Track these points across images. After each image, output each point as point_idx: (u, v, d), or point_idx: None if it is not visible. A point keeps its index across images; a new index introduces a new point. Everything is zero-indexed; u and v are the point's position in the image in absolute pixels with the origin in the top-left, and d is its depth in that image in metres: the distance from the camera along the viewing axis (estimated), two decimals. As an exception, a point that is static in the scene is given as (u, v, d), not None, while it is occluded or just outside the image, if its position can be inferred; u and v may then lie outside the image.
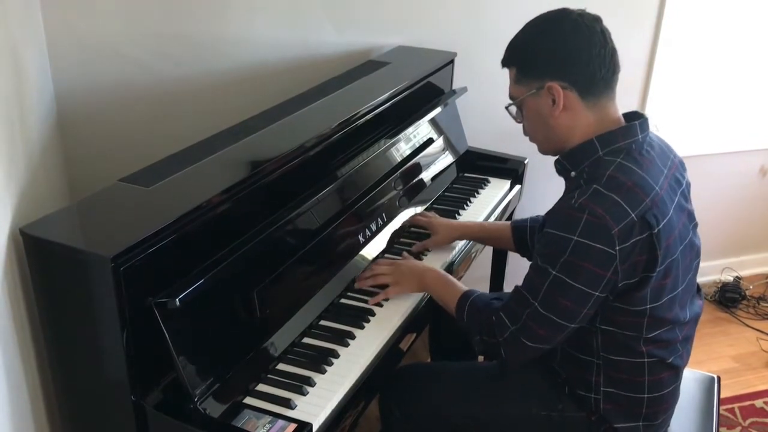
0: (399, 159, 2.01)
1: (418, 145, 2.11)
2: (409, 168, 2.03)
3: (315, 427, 1.29)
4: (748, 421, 2.48)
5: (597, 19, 1.37)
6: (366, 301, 1.63)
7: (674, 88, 2.80)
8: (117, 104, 2.03)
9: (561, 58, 1.35)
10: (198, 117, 2.06)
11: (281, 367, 1.43)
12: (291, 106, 1.83)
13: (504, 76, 1.50)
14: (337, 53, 2.26)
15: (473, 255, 2.00)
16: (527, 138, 1.52)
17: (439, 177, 2.17)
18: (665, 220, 1.32)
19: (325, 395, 1.36)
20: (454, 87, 2.35)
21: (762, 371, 2.74)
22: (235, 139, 1.61)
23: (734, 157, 3.04)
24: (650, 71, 2.74)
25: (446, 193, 2.20)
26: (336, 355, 1.47)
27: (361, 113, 1.79)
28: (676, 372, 1.49)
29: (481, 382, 1.63)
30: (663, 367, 1.44)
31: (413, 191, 2.03)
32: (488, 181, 2.29)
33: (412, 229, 1.96)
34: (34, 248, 1.25)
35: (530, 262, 1.42)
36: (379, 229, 1.83)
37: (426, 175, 2.11)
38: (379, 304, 1.63)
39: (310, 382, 1.38)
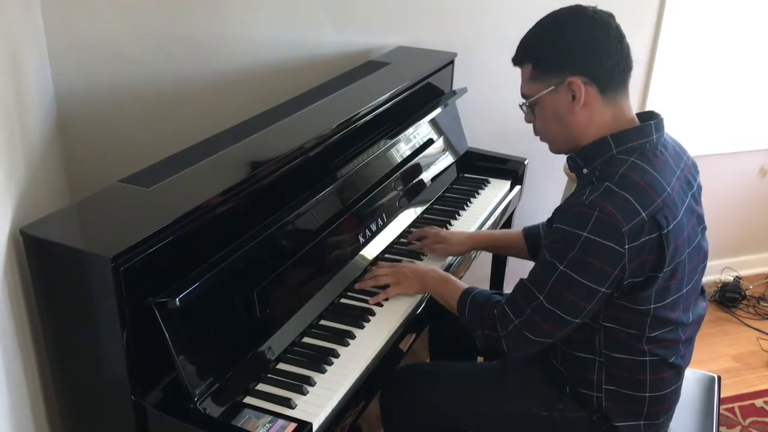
0: (399, 160, 2.01)
1: (418, 146, 2.11)
2: (409, 168, 2.03)
3: (315, 427, 1.29)
4: (748, 421, 2.48)
5: (611, 16, 1.37)
6: (366, 301, 1.63)
7: (674, 88, 2.80)
8: (117, 104, 2.03)
9: (581, 52, 1.35)
10: (198, 117, 2.06)
11: (281, 366, 1.43)
12: (291, 106, 1.83)
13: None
14: (337, 53, 2.26)
15: (473, 255, 2.00)
16: (536, 138, 1.51)
17: (439, 177, 2.17)
18: (675, 222, 1.32)
19: (325, 395, 1.36)
20: (454, 87, 2.35)
21: (762, 371, 2.75)
22: (235, 139, 1.61)
23: (734, 157, 3.04)
24: (650, 71, 2.74)
25: (446, 194, 2.20)
26: (336, 355, 1.47)
27: (361, 114, 1.79)
28: (678, 372, 1.49)
29: (481, 382, 1.63)
30: (664, 367, 1.44)
31: (413, 192, 2.03)
32: (488, 182, 2.29)
33: (413, 229, 1.96)
34: (34, 248, 1.25)
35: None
36: (379, 230, 1.83)
37: (426, 176, 2.11)
38: (380, 304, 1.63)
39: (310, 382, 1.38)
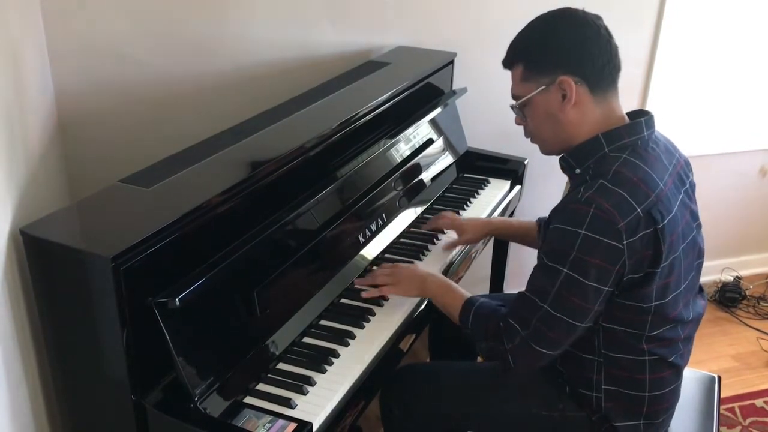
0: (399, 159, 2.01)
1: (418, 146, 2.11)
2: (409, 168, 2.03)
3: (315, 427, 1.29)
4: (748, 421, 2.48)
5: (599, 18, 1.40)
6: (366, 301, 1.63)
7: (674, 88, 2.80)
8: (117, 104, 2.03)
9: (572, 51, 1.36)
10: (198, 117, 2.06)
11: (281, 366, 1.43)
12: (291, 106, 1.84)
13: (505, 76, 1.50)
14: (337, 53, 2.26)
15: (473, 255, 2.00)
16: (528, 139, 1.51)
17: (439, 177, 2.17)
18: (670, 216, 1.32)
19: (325, 395, 1.36)
20: (454, 87, 2.35)
21: (762, 371, 2.74)
22: (235, 139, 1.61)
23: (734, 157, 3.04)
24: (650, 71, 2.74)
25: (446, 194, 2.20)
26: (336, 355, 1.47)
27: (361, 114, 1.79)
28: (677, 371, 1.49)
29: (481, 382, 1.63)
30: (664, 366, 1.45)
31: (413, 192, 2.03)
32: (488, 182, 2.29)
33: (413, 229, 1.96)
34: (34, 248, 1.25)
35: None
36: (379, 230, 1.83)
37: (426, 176, 2.11)
38: (380, 304, 1.63)
39: (310, 382, 1.38)
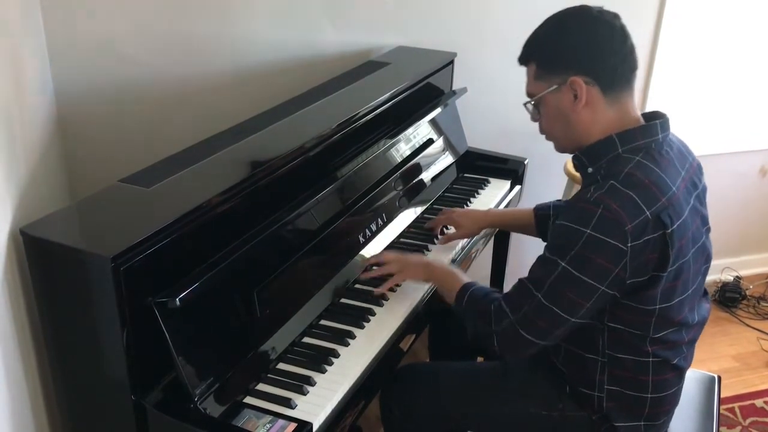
0: (399, 159, 2.01)
1: (418, 146, 2.11)
2: (409, 168, 2.03)
3: (315, 427, 1.29)
4: (748, 421, 2.48)
5: (617, 16, 1.38)
6: (366, 301, 1.63)
7: (674, 88, 2.80)
8: (117, 104, 2.03)
9: (584, 52, 1.36)
10: (198, 117, 2.06)
11: (281, 366, 1.43)
12: (291, 106, 1.83)
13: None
14: (337, 53, 2.26)
15: (473, 255, 2.00)
16: (536, 138, 1.52)
17: (439, 177, 2.17)
18: (680, 221, 1.32)
19: (325, 395, 1.36)
20: (454, 87, 2.35)
21: (762, 371, 2.75)
22: (235, 139, 1.61)
23: (734, 157, 3.04)
24: (650, 71, 2.74)
25: (446, 194, 2.20)
26: (336, 355, 1.47)
27: (361, 114, 1.79)
28: (680, 374, 1.49)
29: (481, 382, 1.63)
30: (667, 368, 1.44)
31: (413, 192, 2.03)
32: (488, 182, 2.29)
33: (413, 229, 1.96)
34: (34, 248, 1.25)
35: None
36: (379, 230, 1.83)
37: (426, 176, 2.11)
38: (380, 304, 1.63)
39: (310, 382, 1.38)
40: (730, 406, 2.53)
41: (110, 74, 1.99)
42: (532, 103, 1.45)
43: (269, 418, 1.27)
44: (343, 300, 1.65)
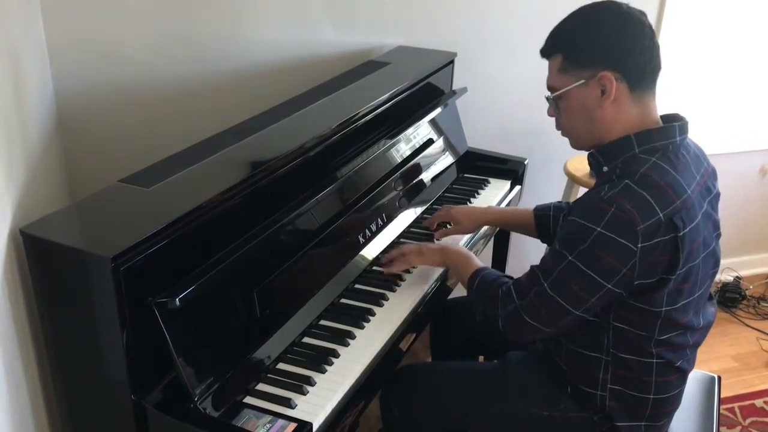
0: (399, 160, 2.01)
1: (418, 146, 2.11)
2: (409, 169, 2.03)
3: (315, 427, 1.29)
4: (748, 421, 2.48)
5: (644, 14, 1.36)
6: (366, 301, 1.63)
7: (674, 88, 2.80)
8: (117, 104, 2.03)
9: (616, 47, 1.33)
10: (198, 117, 2.06)
11: (281, 366, 1.43)
12: (291, 106, 1.83)
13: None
14: (337, 53, 2.26)
15: (474, 253, 1.99)
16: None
17: (439, 178, 2.17)
18: (692, 225, 1.31)
19: (325, 395, 1.36)
20: (454, 87, 2.35)
21: (762, 371, 2.75)
22: (235, 139, 1.61)
23: (734, 157, 3.04)
24: (650, 71, 2.74)
25: (446, 194, 2.20)
26: (336, 355, 1.47)
27: (361, 114, 1.79)
28: (683, 376, 1.49)
29: (482, 382, 1.62)
30: (670, 370, 1.44)
31: (413, 192, 2.03)
32: (488, 182, 2.29)
33: (413, 229, 1.96)
34: (34, 248, 1.25)
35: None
36: (379, 230, 1.83)
37: (426, 176, 2.11)
38: (380, 304, 1.63)
39: (310, 382, 1.38)
40: (730, 406, 2.53)
41: (110, 74, 1.99)
42: (553, 97, 1.42)
43: (269, 418, 1.27)
44: (343, 300, 1.65)
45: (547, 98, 1.44)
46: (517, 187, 2.30)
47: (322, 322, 1.57)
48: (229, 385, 1.32)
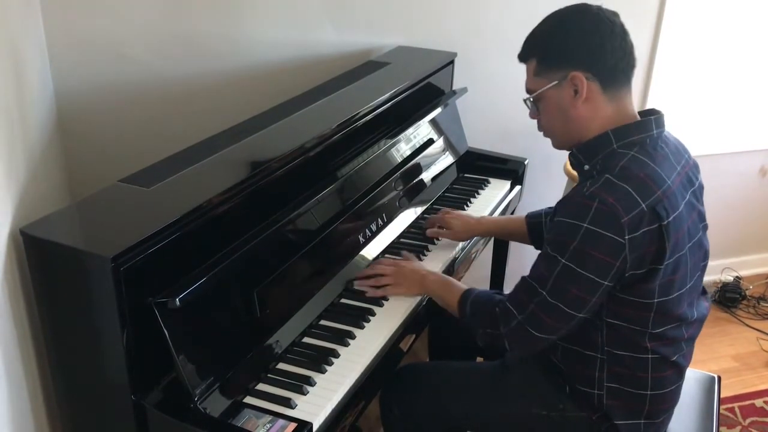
0: (399, 159, 2.01)
1: (418, 146, 2.11)
2: (410, 168, 2.03)
3: (315, 427, 1.29)
4: (748, 421, 2.48)
5: (616, 14, 1.40)
6: (366, 301, 1.63)
7: (674, 88, 2.80)
8: (117, 104, 2.03)
9: (585, 48, 1.36)
10: (198, 117, 2.06)
11: (281, 366, 1.43)
12: (291, 106, 1.83)
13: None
14: (337, 53, 2.26)
15: (473, 255, 2.00)
16: (536, 138, 1.52)
17: (440, 177, 2.17)
18: (675, 214, 1.33)
19: (325, 395, 1.36)
20: (454, 87, 2.35)
21: (762, 371, 2.75)
22: (235, 139, 1.61)
23: (734, 158, 3.04)
24: (650, 71, 2.74)
25: (446, 194, 2.20)
26: (336, 355, 1.47)
27: (362, 114, 1.79)
28: (679, 371, 1.49)
29: (481, 382, 1.63)
30: (666, 365, 1.45)
31: (413, 192, 2.03)
32: (488, 182, 2.29)
33: (413, 229, 1.96)
34: (34, 248, 1.25)
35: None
36: (379, 230, 1.83)
37: (426, 176, 2.11)
38: (380, 304, 1.63)
39: (310, 382, 1.38)
40: (729, 406, 2.53)
41: (110, 74, 2.00)
42: (531, 99, 1.46)
43: (269, 418, 1.27)
44: (343, 300, 1.65)
45: (525, 101, 1.48)
46: (517, 187, 2.30)
47: (322, 322, 1.57)
48: (229, 385, 1.32)
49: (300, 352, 1.47)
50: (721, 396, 1.80)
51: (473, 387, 1.62)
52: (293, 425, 1.25)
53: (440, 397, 1.62)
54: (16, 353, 1.25)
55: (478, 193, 2.22)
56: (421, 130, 2.14)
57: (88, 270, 1.20)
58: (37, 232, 1.24)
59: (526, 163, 2.33)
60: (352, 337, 1.52)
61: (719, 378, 1.82)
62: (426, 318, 1.73)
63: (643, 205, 1.29)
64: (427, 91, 2.17)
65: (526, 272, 1.43)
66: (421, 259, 1.84)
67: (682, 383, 1.52)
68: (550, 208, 1.84)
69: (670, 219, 1.31)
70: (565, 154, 1.52)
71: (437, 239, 1.92)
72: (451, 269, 1.85)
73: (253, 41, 2.13)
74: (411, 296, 1.66)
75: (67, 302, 1.27)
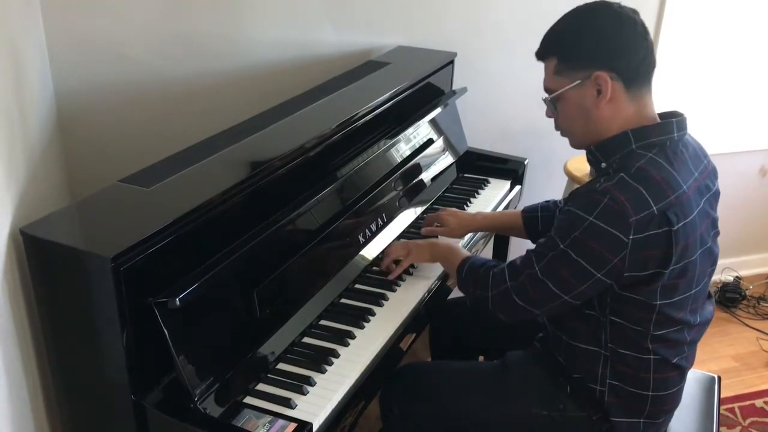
0: (399, 159, 2.01)
1: (418, 146, 2.11)
2: (409, 169, 2.03)
3: (315, 427, 1.29)
4: (748, 421, 2.48)
5: (636, 12, 1.38)
6: (366, 301, 1.64)
7: (674, 88, 2.80)
8: (117, 104, 2.03)
9: (609, 47, 1.35)
10: (198, 117, 2.06)
11: (281, 366, 1.43)
12: (291, 106, 1.83)
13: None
14: (337, 53, 2.26)
15: (475, 253, 1.99)
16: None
17: (439, 177, 2.17)
18: (686, 221, 1.31)
19: (325, 395, 1.36)
20: (454, 87, 2.35)
21: (762, 371, 2.75)
22: (235, 139, 1.61)
23: (734, 158, 3.04)
24: (650, 71, 2.74)
25: (446, 194, 2.20)
26: (336, 355, 1.47)
27: (361, 114, 1.79)
28: (681, 373, 1.49)
29: (482, 382, 1.62)
30: (668, 367, 1.44)
31: (413, 192, 2.03)
32: (488, 182, 2.29)
33: (413, 229, 1.96)
34: (34, 248, 1.25)
35: None
36: (379, 230, 1.83)
37: (426, 176, 2.11)
38: (380, 304, 1.63)
39: (310, 382, 1.38)
40: (730, 406, 2.53)
41: (110, 74, 2.00)
42: (551, 99, 1.43)
43: (269, 418, 1.27)
44: (343, 300, 1.65)
45: (545, 100, 1.46)
46: (517, 187, 2.30)
47: (322, 322, 1.57)
48: (229, 385, 1.32)
49: (300, 352, 1.48)
50: (722, 396, 1.80)
51: (474, 387, 1.62)
52: (293, 425, 1.25)
53: (440, 397, 1.62)
54: (16, 353, 1.25)
55: (478, 193, 2.22)
56: (421, 130, 2.14)
57: (88, 270, 1.20)
58: (37, 232, 1.24)
59: (526, 163, 2.33)
60: (352, 336, 1.52)
61: (719, 378, 1.82)
62: (426, 317, 1.73)
63: (654, 208, 1.28)
64: (427, 91, 2.17)
65: None
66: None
67: (683, 385, 1.52)
68: (546, 202, 1.85)
69: (681, 225, 1.30)
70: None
71: (435, 237, 1.92)
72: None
73: (253, 41, 2.13)
74: (411, 294, 1.68)
75: (67, 302, 1.27)
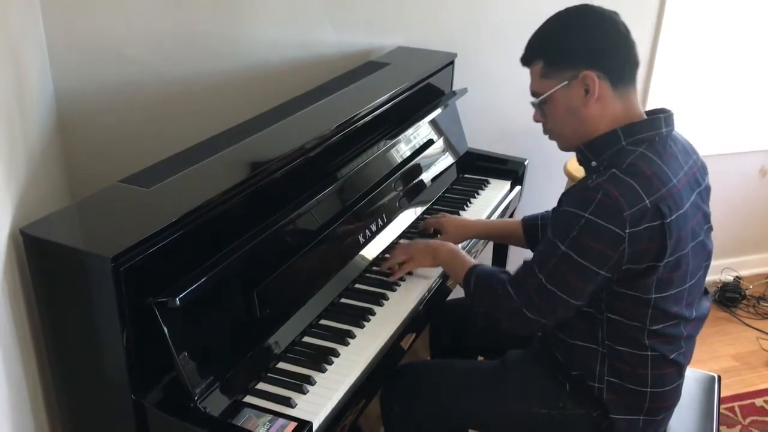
0: (399, 160, 2.01)
1: (418, 147, 2.11)
2: (409, 169, 2.03)
3: (315, 426, 1.29)
4: (748, 420, 2.48)
5: (617, 14, 1.41)
6: (367, 300, 1.64)
7: (674, 88, 2.80)
8: (117, 104, 2.03)
9: (594, 46, 1.37)
10: (198, 118, 2.06)
11: (281, 365, 1.43)
12: (291, 107, 1.84)
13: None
14: (337, 54, 2.26)
15: (473, 256, 1.99)
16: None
17: (439, 178, 2.17)
18: (679, 212, 1.33)
19: (325, 394, 1.36)
20: (454, 88, 2.35)
21: (762, 370, 2.75)
22: (235, 140, 1.61)
23: (734, 158, 3.04)
24: (650, 71, 2.74)
25: (446, 194, 2.20)
26: (336, 354, 1.47)
27: (361, 114, 1.79)
28: (679, 369, 1.50)
29: (482, 380, 1.63)
30: (665, 363, 1.45)
31: (413, 192, 2.03)
32: (488, 182, 2.29)
33: (413, 230, 1.96)
34: (34, 248, 1.25)
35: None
36: (379, 230, 1.83)
37: (426, 176, 2.11)
38: (380, 304, 1.63)
39: (310, 381, 1.38)
40: (729, 405, 2.53)
41: (110, 74, 2.00)
42: (539, 102, 1.45)
43: (269, 417, 1.27)
44: (343, 300, 1.65)
45: (533, 104, 1.47)
46: (517, 188, 2.30)
47: (323, 322, 1.57)
48: (229, 385, 1.33)
49: (300, 351, 1.48)
50: (722, 395, 1.80)
51: (474, 386, 1.62)
52: (293, 424, 1.25)
53: (441, 396, 1.62)
54: (16, 353, 1.26)
55: (478, 194, 2.22)
56: (421, 131, 2.14)
57: (88, 270, 1.20)
58: (37, 232, 1.24)
59: (526, 163, 2.33)
60: (353, 336, 1.52)
61: (719, 377, 1.82)
62: (426, 317, 1.73)
63: (647, 201, 1.29)
64: (427, 91, 2.17)
65: None
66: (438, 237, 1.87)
67: (682, 382, 1.53)
68: (547, 212, 1.84)
69: (673, 217, 1.32)
70: (566, 154, 1.52)
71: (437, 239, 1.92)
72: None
73: (253, 41, 2.13)
74: (411, 294, 1.68)
75: (67, 302, 1.27)
